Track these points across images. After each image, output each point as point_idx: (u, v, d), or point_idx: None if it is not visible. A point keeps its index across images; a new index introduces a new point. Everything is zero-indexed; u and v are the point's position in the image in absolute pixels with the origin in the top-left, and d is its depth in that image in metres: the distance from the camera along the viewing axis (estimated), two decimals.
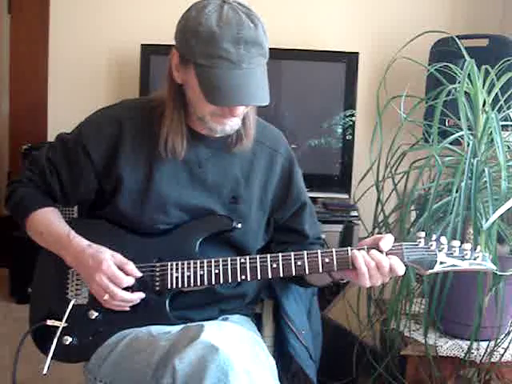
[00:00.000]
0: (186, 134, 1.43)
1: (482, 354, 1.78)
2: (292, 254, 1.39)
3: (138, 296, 1.41)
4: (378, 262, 1.33)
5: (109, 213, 1.48)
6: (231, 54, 1.27)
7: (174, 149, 1.42)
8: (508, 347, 1.81)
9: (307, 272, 1.38)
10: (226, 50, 1.27)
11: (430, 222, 1.69)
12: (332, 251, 1.37)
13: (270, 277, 1.39)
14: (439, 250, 1.36)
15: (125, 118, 1.46)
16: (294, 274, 1.38)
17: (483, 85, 1.79)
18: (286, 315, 1.55)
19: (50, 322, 1.43)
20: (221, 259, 1.40)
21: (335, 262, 1.37)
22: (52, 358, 1.42)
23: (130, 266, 1.41)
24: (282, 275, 1.39)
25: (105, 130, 1.46)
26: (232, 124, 1.39)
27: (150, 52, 2.90)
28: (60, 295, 1.46)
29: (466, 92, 1.76)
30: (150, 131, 1.44)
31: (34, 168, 1.53)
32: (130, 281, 1.40)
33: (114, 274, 1.38)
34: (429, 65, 2.45)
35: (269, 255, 1.39)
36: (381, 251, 1.34)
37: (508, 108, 1.85)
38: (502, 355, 1.79)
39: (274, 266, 1.38)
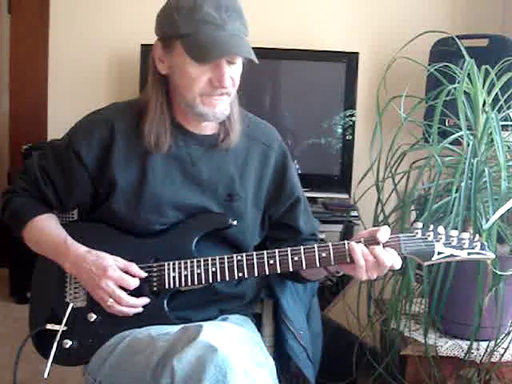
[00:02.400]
0: (172, 128, 1.44)
1: (482, 354, 1.78)
2: (289, 249, 1.38)
3: (143, 301, 1.41)
4: (376, 256, 1.32)
5: (104, 215, 1.47)
6: (214, 18, 1.31)
7: (157, 141, 1.42)
8: (508, 347, 1.80)
9: (304, 267, 1.38)
10: (208, 14, 1.31)
11: (430, 221, 1.69)
12: (329, 245, 1.37)
13: (267, 273, 1.39)
14: (437, 241, 1.35)
15: (115, 120, 1.46)
16: (291, 269, 1.38)
17: (483, 85, 1.79)
18: (285, 315, 1.55)
19: (49, 326, 1.43)
20: (217, 257, 1.40)
21: (332, 256, 1.36)
22: (52, 362, 1.42)
23: (134, 268, 1.41)
24: (279, 271, 1.38)
25: (96, 134, 1.46)
26: (221, 107, 1.39)
27: (149, 52, 2.89)
28: (59, 298, 1.46)
29: (465, 92, 1.76)
30: (140, 131, 1.44)
31: (27, 177, 1.52)
32: (136, 282, 1.40)
33: (121, 278, 1.38)
34: (429, 65, 2.44)
35: (265, 251, 1.39)
36: (378, 243, 1.34)
37: (508, 108, 1.85)
38: (502, 355, 1.79)
39: (271, 262, 1.38)
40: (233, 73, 1.38)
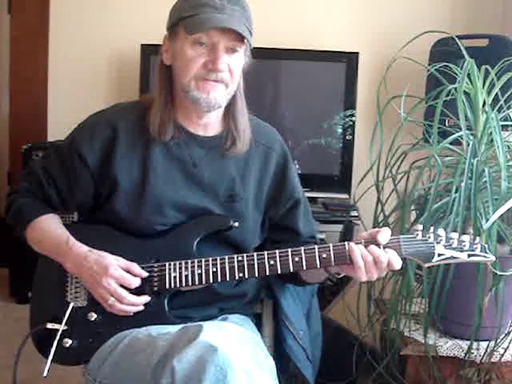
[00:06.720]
0: (174, 122, 1.45)
1: (482, 354, 1.78)
2: (289, 250, 1.38)
3: (145, 299, 1.41)
4: (375, 257, 1.32)
5: (105, 215, 1.48)
6: (215, 3, 1.36)
7: (161, 127, 1.44)
8: (508, 347, 1.81)
9: (305, 268, 1.38)
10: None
11: (429, 221, 1.69)
12: (329, 246, 1.37)
13: (267, 274, 1.39)
14: (437, 242, 1.35)
15: (118, 121, 1.47)
16: (291, 270, 1.38)
17: (483, 85, 1.79)
18: (285, 316, 1.55)
19: (49, 325, 1.43)
20: (218, 258, 1.40)
21: (332, 257, 1.36)
22: (52, 361, 1.42)
23: (136, 267, 1.41)
24: (279, 272, 1.38)
25: (98, 134, 1.46)
26: (215, 93, 1.40)
27: (150, 52, 2.90)
28: (59, 298, 1.46)
29: (465, 92, 1.76)
30: (142, 131, 1.45)
31: (30, 178, 1.53)
32: (137, 282, 1.40)
33: (122, 276, 1.39)
34: (429, 65, 2.44)
35: (266, 252, 1.39)
36: (378, 245, 1.34)
37: (508, 108, 1.85)
38: (502, 355, 1.79)
39: (272, 262, 1.38)
40: (231, 62, 1.40)
